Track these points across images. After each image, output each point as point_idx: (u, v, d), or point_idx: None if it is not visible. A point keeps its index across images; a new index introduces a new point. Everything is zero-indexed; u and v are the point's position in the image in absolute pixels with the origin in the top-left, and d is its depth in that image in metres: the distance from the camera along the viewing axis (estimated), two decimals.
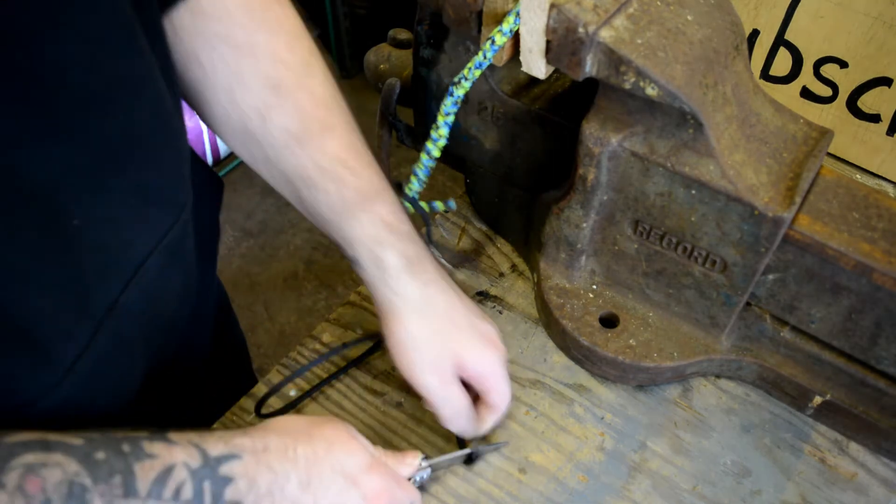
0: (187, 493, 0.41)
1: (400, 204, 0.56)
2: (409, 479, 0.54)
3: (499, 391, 0.56)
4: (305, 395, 0.64)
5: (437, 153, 0.64)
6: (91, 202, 0.42)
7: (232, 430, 0.46)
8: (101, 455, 0.39)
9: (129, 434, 0.41)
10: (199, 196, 0.60)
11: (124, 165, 0.44)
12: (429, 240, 0.71)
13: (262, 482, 0.44)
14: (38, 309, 0.41)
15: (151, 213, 0.48)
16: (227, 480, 0.43)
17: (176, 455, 0.42)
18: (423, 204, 0.69)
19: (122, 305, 0.46)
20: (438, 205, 0.70)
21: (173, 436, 0.43)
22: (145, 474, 0.40)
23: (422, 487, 0.56)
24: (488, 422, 0.57)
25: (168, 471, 0.41)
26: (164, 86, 0.46)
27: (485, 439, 0.61)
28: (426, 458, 0.56)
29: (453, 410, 0.55)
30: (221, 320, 0.77)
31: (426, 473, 0.56)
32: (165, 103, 0.46)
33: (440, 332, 0.54)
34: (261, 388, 0.65)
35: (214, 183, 0.68)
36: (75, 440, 0.39)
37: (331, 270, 2.07)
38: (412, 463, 0.54)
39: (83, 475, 0.37)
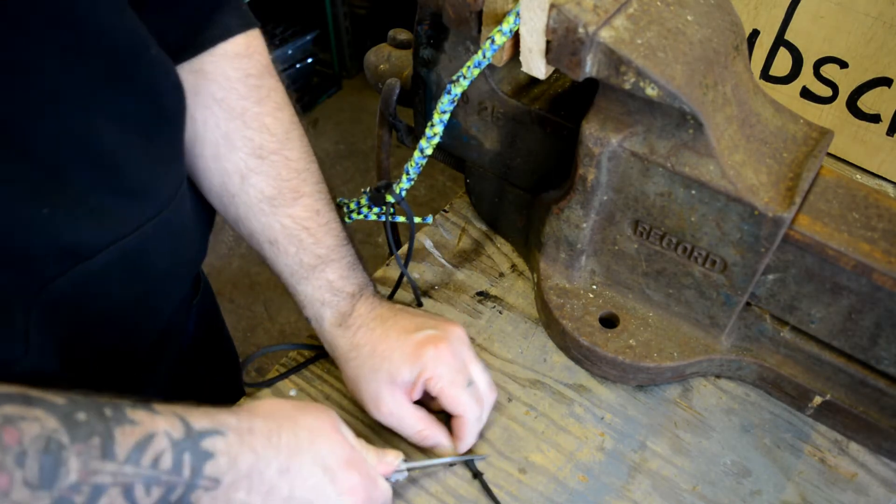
0: (166, 462, 0.41)
1: (352, 259, 0.62)
2: (386, 478, 0.54)
3: (455, 402, 0.57)
4: (282, 375, 0.66)
5: (429, 151, 0.64)
6: (58, 196, 0.45)
7: (218, 408, 0.46)
8: (82, 416, 0.39)
9: (113, 399, 0.41)
10: (195, 201, 0.62)
11: (130, 150, 0.47)
12: (409, 248, 0.70)
13: (243, 463, 0.44)
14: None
15: (108, 219, 0.49)
16: (209, 455, 0.43)
17: (158, 424, 0.42)
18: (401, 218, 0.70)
19: (50, 290, 0.47)
20: (416, 218, 0.71)
21: (158, 406, 0.43)
22: (125, 439, 0.40)
23: (395, 489, 0.56)
24: (465, 434, 0.58)
25: (148, 438, 0.41)
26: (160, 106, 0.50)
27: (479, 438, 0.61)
28: (406, 460, 0.56)
29: (410, 434, 0.58)
30: (203, 338, 0.77)
31: (403, 475, 0.56)
32: (141, 121, 0.49)
33: (373, 370, 0.58)
34: (261, 388, 0.65)
35: (205, 209, 0.69)
36: (58, 399, 0.39)
37: None
38: (391, 462, 0.55)
39: (61, 433, 0.38)
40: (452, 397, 0.57)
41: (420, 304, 0.71)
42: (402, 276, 0.70)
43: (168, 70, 0.51)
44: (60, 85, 0.42)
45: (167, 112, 0.52)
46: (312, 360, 0.66)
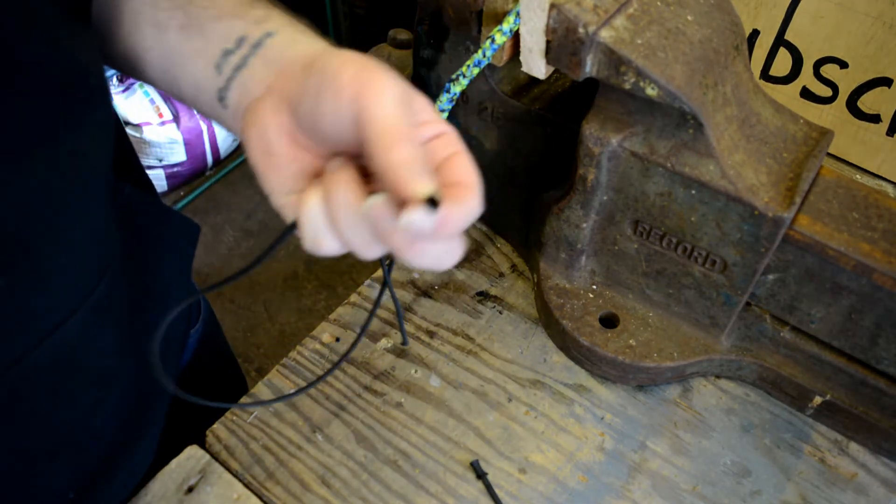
0: None
1: None
2: None
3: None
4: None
5: None
6: (16, 262, 0.39)
7: None
8: None
9: None
10: (164, 247, 0.57)
11: (46, 226, 0.41)
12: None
13: None
14: None
15: (75, 274, 0.45)
16: None
17: None
18: None
19: (28, 363, 0.43)
20: None
21: None
22: None
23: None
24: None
25: None
26: (91, 145, 0.44)
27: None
28: None
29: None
30: (201, 367, 0.73)
31: None
32: (87, 163, 0.44)
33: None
34: (261, 389, 0.65)
35: (183, 230, 0.63)
36: None
37: (331, 270, 2.07)
38: None
39: None
40: (468, 165, 0.38)
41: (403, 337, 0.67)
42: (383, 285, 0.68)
43: (108, 100, 0.45)
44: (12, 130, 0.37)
45: (110, 142, 0.47)
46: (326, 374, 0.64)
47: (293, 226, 0.39)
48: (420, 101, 0.39)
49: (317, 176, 0.39)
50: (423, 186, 0.33)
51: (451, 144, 0.39)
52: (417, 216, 0.32)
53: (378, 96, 0.35)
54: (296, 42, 0.41)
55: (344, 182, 0.35)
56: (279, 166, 0.39)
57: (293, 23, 0.44)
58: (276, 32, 0.42)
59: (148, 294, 0.55)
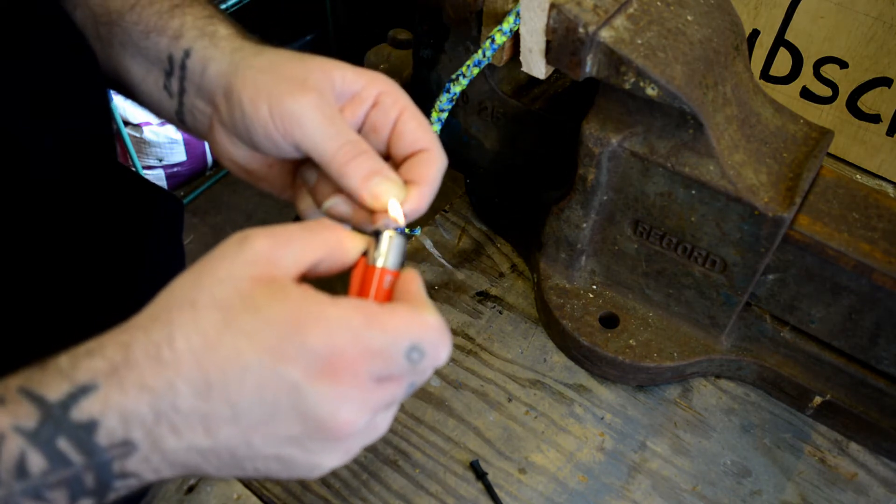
0: (37, 464, 0.30)
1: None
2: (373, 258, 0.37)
3: (421, 127, 0.42)
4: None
5: None
6: None
7: (83, 345, 0.33)
8: None
9: None
10: (152, 226, 0.58)
11: None
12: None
13: (142, 409, 0.31)
14: None
15: None
16: (91, 427, 0.31)
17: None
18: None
19: None
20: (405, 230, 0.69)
21: None
22: None
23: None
24: (432, 173, 0.40)
25: None
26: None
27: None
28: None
29: (327, 151, 0.39)
30: None
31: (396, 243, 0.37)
32: None
33: (301, 60, 0.42)
34: None
35: (170, 206, 0.63)
36: None
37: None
38: (351, 244, 0.36)
39: None
40: (418, 120, 0.41)
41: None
42: None
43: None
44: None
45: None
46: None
47: (297, 217, 0.46)
48: (339, 76, 0.40)
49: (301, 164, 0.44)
50: (384, 204, 0.38)
51: (394, 103, 0.41)
52: (392, 217, 0.38)
53: (303, 129, 0.38)
54: (208, 63, 0.43)
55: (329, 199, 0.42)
56: (263, 178, 0.45)
57: (203, 27, 0.45)
58: (191, 50, 0.44)
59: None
